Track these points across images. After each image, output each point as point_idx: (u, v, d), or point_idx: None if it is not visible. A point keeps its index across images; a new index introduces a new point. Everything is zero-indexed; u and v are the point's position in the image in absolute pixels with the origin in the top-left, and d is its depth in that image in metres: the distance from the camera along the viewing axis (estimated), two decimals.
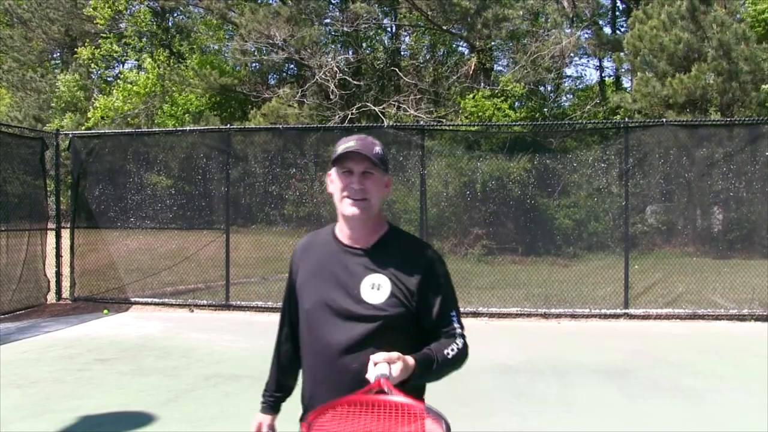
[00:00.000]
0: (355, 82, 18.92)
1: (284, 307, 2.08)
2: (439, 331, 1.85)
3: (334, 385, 1.78)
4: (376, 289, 1.81)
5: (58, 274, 9.68)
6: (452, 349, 1.82)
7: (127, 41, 22.71)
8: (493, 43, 19.81)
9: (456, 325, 1.88)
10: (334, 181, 1.90)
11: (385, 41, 23.02)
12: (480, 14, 17.34)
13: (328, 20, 21.31)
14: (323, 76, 17.89)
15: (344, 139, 1.89)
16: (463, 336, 1.88)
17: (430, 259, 1.90)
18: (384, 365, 1.62)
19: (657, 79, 13.32)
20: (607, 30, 23.31)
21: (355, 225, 1.87)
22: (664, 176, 9.40)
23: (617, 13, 24.27)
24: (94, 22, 21.87)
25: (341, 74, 18.22)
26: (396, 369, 1.63)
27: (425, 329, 1.85)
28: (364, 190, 1.83)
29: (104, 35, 22.23)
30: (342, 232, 1.91)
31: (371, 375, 1.61)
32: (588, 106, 19.73)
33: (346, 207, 1.84)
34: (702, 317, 8.32)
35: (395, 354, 1.66)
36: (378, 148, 1.86)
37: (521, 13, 18.28)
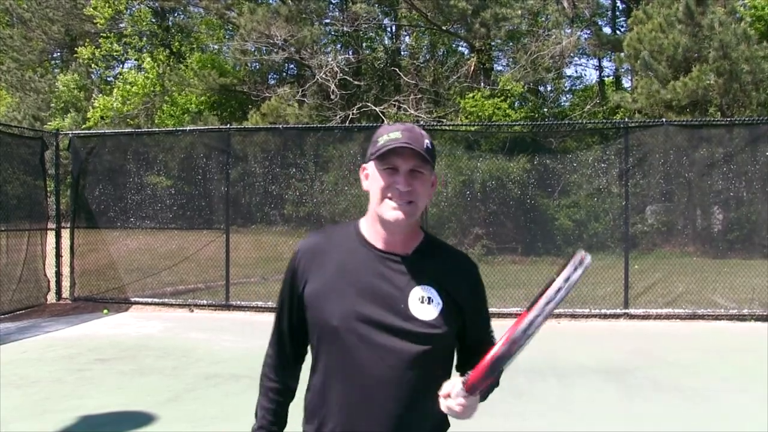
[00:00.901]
0: (355, 82, 18.93)
1: (282, 323, 1.70)
2: (479, 347, 1.62)
3: (374, 417, 1.53)
4: (426, 302, 1.56)
5: (58, 274, 9.68)
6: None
7: (128, 41, 22.71)
8: (492, 43, 19.81)
9: (495, 340, 1.67)
10: (371, 177, 1.60)
11: (385, 41, 23.03)
12: (478, 14, 17.34)
13: (328, 20, 21.32)
14: (323, 76, 17.89)
15: (386, 127, 1.60)
16: None
17: (473, 269, 1.69)
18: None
19: (658, 81, 13.33)
20: (607, 30, 23.34)
21: (396, 230, 1.59)
22: (664, 176, 9.40)
23: (617, 12, 24.28)
24: (94, 21, 21.87)
25: (341, 74, 18.22)
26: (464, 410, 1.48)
27: (465, 348, 1.66)
28: (411, 192, 1.54)
29: (104, 35, 22.23)
30: (376, 234, 1.61)
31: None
32: (588, 106, 19.74)
33: (387, 210, 1.55)
34: (702, 317, 8.32)
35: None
36: (428, 141, 1.56)
37: (520, 12, 18.28)
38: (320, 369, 1.60)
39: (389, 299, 1.55)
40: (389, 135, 1.54)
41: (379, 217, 1.58)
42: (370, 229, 1.63)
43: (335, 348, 1.56)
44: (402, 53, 22.73)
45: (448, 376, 1.60)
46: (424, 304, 1.55)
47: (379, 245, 1.61)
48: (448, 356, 1.64)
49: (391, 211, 1.54)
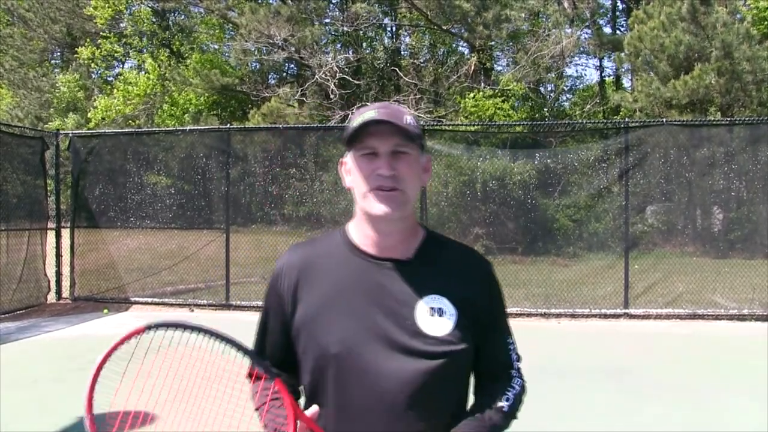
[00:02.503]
0: (355, 82, 18.93)
1: (265, 350, 1.46)
2: (494, 367, 1.43)
3: None
4: (437, 315, 1.32)
5: (58, 274, 9.68)
6: (507, 399, 1.40)
7: (128, 41, 22.72)
8: (492, 43, 19.81)
9: (514, 356, 1.46)
10: (351, 171, 1.36)
11: (385, 41, 23.03)
12: (480, 15, 17.34)
13: (328, 20, 21.32)
14: (323, 76, 17.89)
15: (361, 108, 1.36)
16: (520, 371, 1.46)
17: (489, 271, 1.44)
18: None
19: (659, 80, 13.33)
20: (607, 30, 23.34)
21: (388, 228, 1.35)
22: (665, 176, 9.40)
23: (617, 12, 24.28)
24: (94, 21, 21.88)
25: (341, 74, 18.22)
26: None
27: (479, 370, 1.43)
28: (396, 177, 1.30)
29: (104, 35, 22.24)
30: (366, 238, 1.37)
31: None
32: (588, 106, 19.74)
33: (372, 204, 1.31)
34: (702, 317, 8.32)
35: None
36: (409, 117, 1.32)
37: (523, 15, 18.28)
38: (324, 407, 1.34)
39: (393, 316, 1.31)
40: (363, 115, 1.30)
41: (366, 214, 1.35)
42: (359, 234, 1.39)
43: (335, 379, 1.32)
44: (402, 53, 22.74)
45: (467, 398, 1.41)
46: (434, 317, 1.32)
47: (373, 251, 1.36)
48: (467, 375, 1.41)
49: (376, 204, 1.30)
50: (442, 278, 1.36)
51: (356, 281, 1.35)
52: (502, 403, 1.38)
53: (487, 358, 1.41)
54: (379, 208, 1.30)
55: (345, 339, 1.31)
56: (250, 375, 1.51)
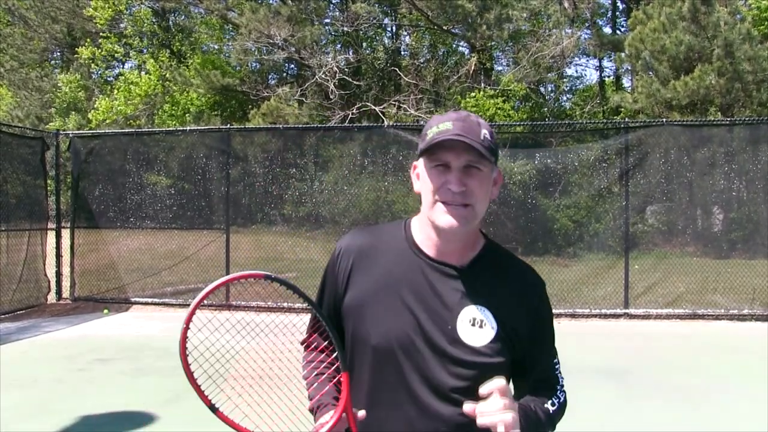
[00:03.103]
0: (355, 82, 18.93)
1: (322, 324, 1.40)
2: (539, 385, 1.44)
3: None
4: (477, 326, 1.34)
5: (59, 274, 9.68)
6: (553, 404, 1.41)
7: (128, 41, 22.74)
8: (493, 43, 19.81)
9: (560, 377, 1.47)
10: (421, 177, 1.38)
11: (386, 41, 23.03)
12: (482, 16, 17.34)
13: (328, 20, 21.32)
14: (323, 76, 17.89)
15: (436, 118, 1.36)
16: (564, 390, 1.47)
17: (541, 290, 1.44)
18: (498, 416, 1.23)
19: (659, 81, 13.33)
20: (607, 30, 23.34)
21: (450, 238, 1.36)
22: (665, 176, 9.40)
23: (617, 12, 24.28)
24: (95, 22, 21.90)
25: (341, 74, 18.22)
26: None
27: (520, 385, 1.43)
28: (466, 193, 1.30)
29: (104, 35, 22.25)
30: (427, 239, 1.39)
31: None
32: (588, 106, 19.74)
33: (439, 215, 1.32)
34: (702, 317, 8.32)
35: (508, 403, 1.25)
36: (486, 132, 1.31)
37: (524, 15, 18.27)
38: (358, 395, 1.38)
39: (436, 318, 1.34)
40: (439, 126, 1.31)
41: (432, 223, 1.36)
42: (421, 233, 1.41)
43: (372, 369, 1.37)
44: (402, 53, 22.73)
45: None
46: (475, 328, 1.34)
47: (431, 253, 1.39)
48: None
49: (444, 215, 1.31)
50: (492, 291, 1.37)
51: (408, 278, 1.37)
52: (548, 406, 1.40)
53: (532, 375, 1.43)
54: (446, 221, 1.31)
55: (386, 332, 1.35)
56: (305, 343, 1.57)
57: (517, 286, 1.41)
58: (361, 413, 1.34)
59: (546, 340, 1.45)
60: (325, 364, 1.39)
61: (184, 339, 1.33)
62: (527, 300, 1.40)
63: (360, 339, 1.39)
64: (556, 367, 1.47)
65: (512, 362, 1.38)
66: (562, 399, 1.44)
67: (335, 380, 1.39)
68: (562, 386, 1.46)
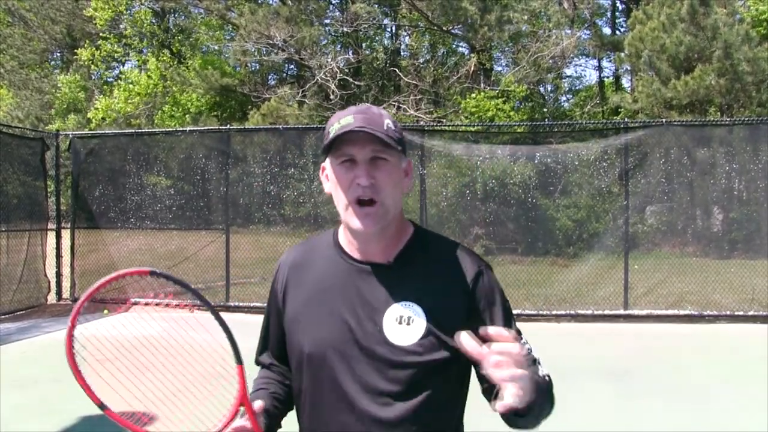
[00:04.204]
0: (355, 83, 18.93)
1: (267, 339, 1.51)
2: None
3: None
4: (405, 323, 1.27)
5: (59, 275, 9.69)
6: (544, 376, 1.29)
7: (128, 42, 22.75)
8: (493, 44, 19.82)
9: (531, 351, 1.27)
10: (330, 177, 1.34)
11: (385, 41, 23.04)
12: (483, 17, 17.34)
13: (328, 20, 21.34)
14: (323, 77, 17.89)
15: (337, 114, 1.32)
16: (539, 362, 1.30)
17: (476, 272, 1.33)
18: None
19: (659, 81, 13.34)
20: (607, 30, 23.35)
21: (368, 239, 1.32)
22: (665, 176, 9.40)
23: (617, 13, 24.29)
24: (94, 23, 21.91)
25: (341, 74, 18.23)
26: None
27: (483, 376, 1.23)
28: (375, 186, 1.26)
29: (104, 35, 22.26)
30: (350, 243, 1.36)
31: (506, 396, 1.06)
32: (588, 107, 19.74)
33: (350, 219, 1.28)
34: (702, 318, 8.32)
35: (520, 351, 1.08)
36: (389, 121, 1.28)
37: (526, 17, 18.28)
38: (301, 405, 1.40)
39: (365, 321, 1.29)
40: (340, 121, 1.27)
41: (346, 226, 1.33)
42: (345, 237, 1.37)
43: (310, 378, 1.34)
44: (402, 53, 22.74)
45: (455, 412, 1.34)
46: (402, 326, 1.26)
47: (356, 255, 1.35)
48: (450, 382, 1.31)
49: (354, 219, 1.27)
50: (420, 283, 1.30)
51: (337, 284, 1.34)
52: (541, 374, 1.26)
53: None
54: (358, 224, 1.27)
55: (318, 340, 1.32)
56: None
57: (448, 273, 1.32)
58: (257, 404, 1.32)
59: (495, 322, 1.28)
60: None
61: (70, 338, 1.34)
62: (460, 286, 1.30)
63: (296, 350, 1.37)
64: (525, 346, 1.22)
65: (459, 357, 1.18)
66: (548, 376, 1.29)
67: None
68: (540, 365, 1.28)
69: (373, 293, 1.30)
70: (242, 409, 1.30)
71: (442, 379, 1.29)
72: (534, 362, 1.26)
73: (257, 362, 1.56)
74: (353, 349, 1.29)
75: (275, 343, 1.49)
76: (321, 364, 1.32)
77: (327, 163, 1.35)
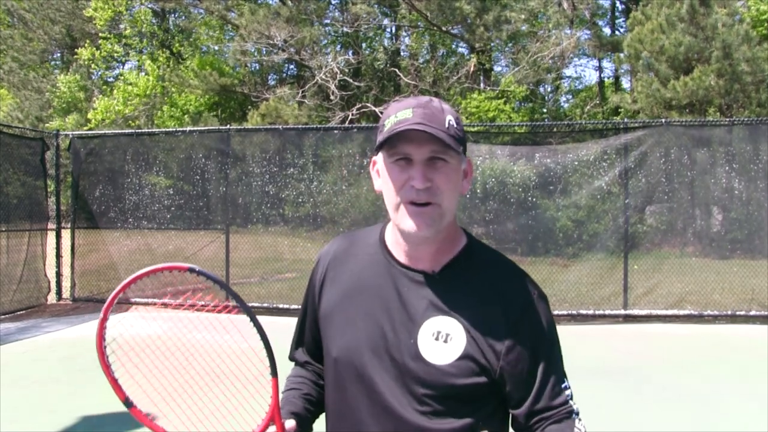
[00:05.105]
0: (355, 83, 18.94)
1: (303, 335, 1.43)
2: (541, 412, 1.18)
3: None
4: (441, 340, 1.16)
5: (59, 275, 9.69)
6: (578, 429, 1.18)
7: (128, 42, 22.75)
8: (492, 44, 19.83)
9: (570, 401, 1.19)
10: (382, 174, 1.22)
11: (385, 42, 23.05)
12: (480, 17, 17.35)
13: (328, 21, 21.35)
14: (323, 77, 17.90)
15: (394, 105, 1.19)
16: (578, 415, 1.19)
17: (525, 300, 1.21)
18: None
19: (659, 81, 13.35)
20: (606, 30, 23.37)
21: (418, 242, 1.21)
22: (665, 176, 9.40)
23: (616, 13, 24.31)
24: (94, 23, 21.92)
25: (341, 75, 18.23)
26: None
27: (518, 407, 1.19)
28: (431, 190, 1.14)
29: (104, 35, 22.26)
30: (397, 245, 1.25)
31: None
32: (588, 107, 19.75)
33: (403, 219, 1.17)
34: (702, 318, 8.32)
35: None
36: (452, 118, 1.16)
37: (523, 17, 18.30)
38: (327, 409, 1.33)
39: (400, 330, 1.19)
40: (397, 115, 1.14)
41: (397, 226, 1.21)
42: (392, 237, 1.26)
43: (335, 383, 1.26)
44: (402, 54, 22.76)
45: (495, 424, 1.21)
46: (438, 342, 1.16)
47: (402, 258, 1.24)
48: (481, 405, 1.19)
49: (407, 219, 1.16)
50: (464, 300, 1.19)
51: (377, 285, 1.24)
52: (578, 426, 1.17)
53: (526, 399, 1.18)
54: (410, 225, 1.16)
55: (347, 344, 1.24)
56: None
57: (496, 294, 1.20)
58: (289, 424, 1.24)
59: (538, 361, 1.18)
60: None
61: (101, 331, 1.32)
62: (506, 312, 1.18)
63: (326, 352, 1.29)
64: (565, 393, 1.17)
65: (498, 386, 1.15)
66: (583, 427, 1.18)
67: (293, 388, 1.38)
68: (577, 413, 1.19)
69: (412, 302, 1.20)
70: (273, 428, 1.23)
71: (473, 409, 1.18)
72: (570, 415, 1.18)
73: (291, 358, 1.48)
74: (384, 357, 1.20)
75: (311, 340, 1.40)
76: (347, 370, 1.24)
77: (379, 158, 1.22)
